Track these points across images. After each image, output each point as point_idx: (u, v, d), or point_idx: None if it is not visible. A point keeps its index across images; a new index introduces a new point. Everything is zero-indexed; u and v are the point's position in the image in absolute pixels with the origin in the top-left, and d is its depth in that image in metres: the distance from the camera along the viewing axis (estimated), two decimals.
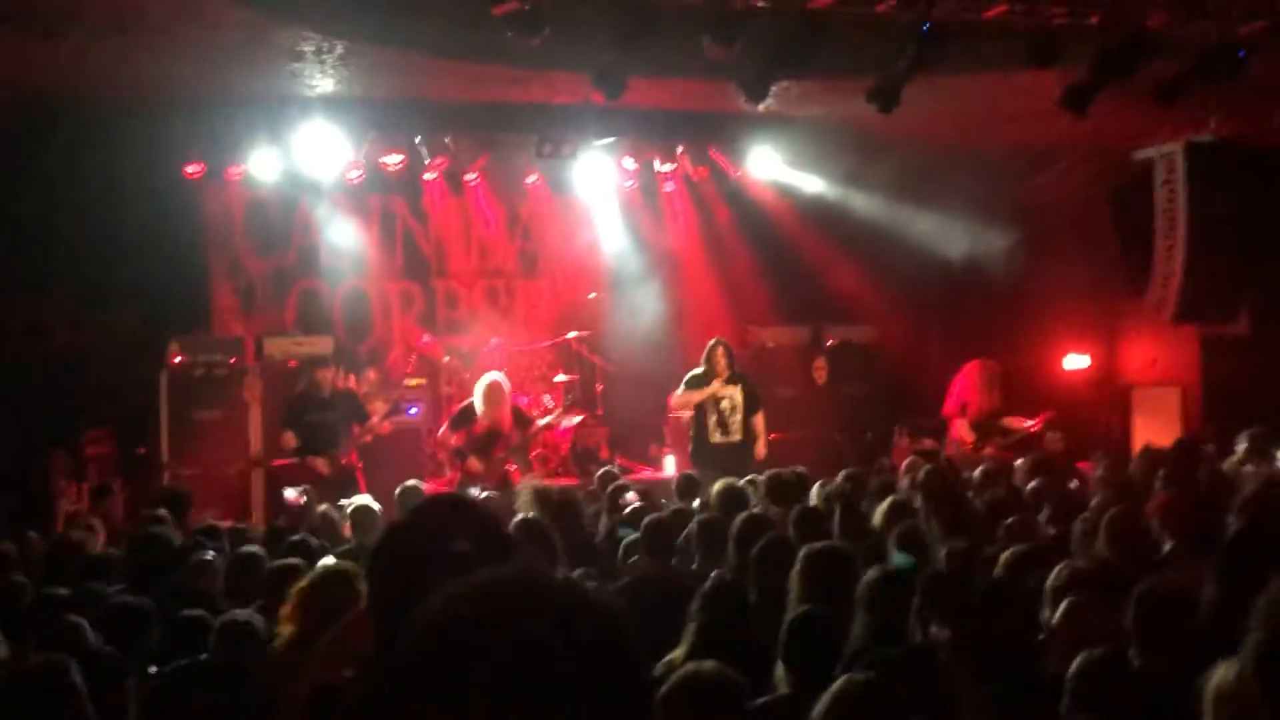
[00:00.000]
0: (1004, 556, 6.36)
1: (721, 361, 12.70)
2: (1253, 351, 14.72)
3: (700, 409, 12.74)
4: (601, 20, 9.53)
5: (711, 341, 12.97)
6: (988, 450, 13.28)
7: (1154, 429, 14.96)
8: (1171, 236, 14.81)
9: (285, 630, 5.35)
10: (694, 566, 7.43)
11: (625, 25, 9.42)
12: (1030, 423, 13.62)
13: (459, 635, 1.68)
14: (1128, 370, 16.62)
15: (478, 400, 12.37)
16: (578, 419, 14.97)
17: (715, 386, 12.61)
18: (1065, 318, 16.70)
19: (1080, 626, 4.82)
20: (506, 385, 12.59)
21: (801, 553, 5.95)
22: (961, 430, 13.70)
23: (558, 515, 7.67)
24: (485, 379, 12.56)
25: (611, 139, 14.75)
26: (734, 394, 12.72)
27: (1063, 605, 5.02)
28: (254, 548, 7.70)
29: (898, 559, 6.99)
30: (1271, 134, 13.57)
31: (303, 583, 5.52)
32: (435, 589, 1.75)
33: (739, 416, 12.71)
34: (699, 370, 12.79)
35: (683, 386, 12.82)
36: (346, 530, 9.26)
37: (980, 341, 15.56)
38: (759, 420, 12.91)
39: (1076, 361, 16.79)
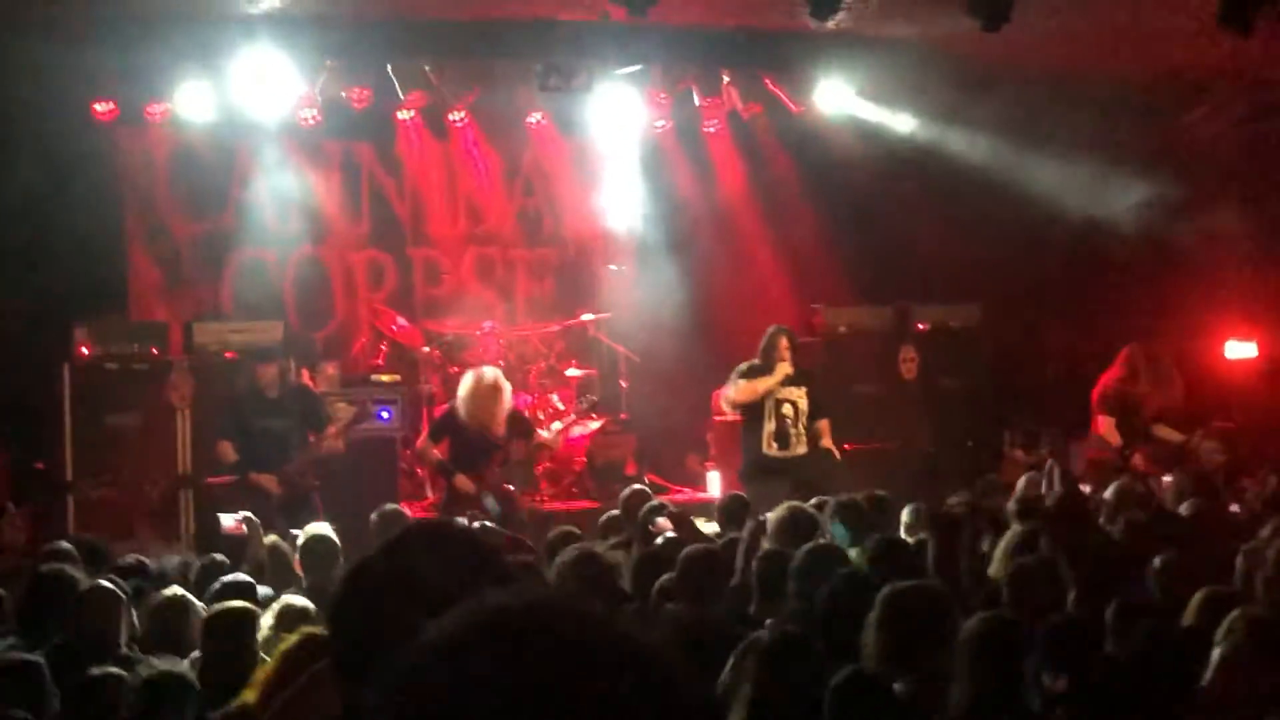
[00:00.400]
0: (1196, 598, 6.32)
1: (785, 355, 12.70)
2: None
3: (755, 415, 12.74)
4: None
5: (771, 329, 12.96)
6: (1135, 460, 13.30)
7: None
8: None
9: (248, 695, 5.36)
10: (750, 611, 7.43)
11: None
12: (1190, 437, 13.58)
13: (461, 685, 1.68)
14: None
15: (465, 400, 12.38)
16: (595, 425, 14.98)
17: (776, 379, 12.61)
18: (1224, 293, 16.62)
19: (1239, 686, 4.81)
20: (503, 382, 12.60)
21: (882, 595, 5.94)
22: (1106, 429, 13.65)
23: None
24: (474, 374, 12.57)
25: (637, 67, 14.74)
26: (798, 397, 12.73)
27: (1218, 657, 5.01)
28: (176, 591, 7.73)
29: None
30: None
31: (287, 643, 5.53)
32: (415, 636, 1.74)
33: (801, 425, 12.72)
34: (754, 363, 12.79)
35: (734, 380, 12.82)
36: (299, 566, 9.29)
37: (1111, 325, 15.50)
38: (825, 428, 12.93)
39: (1240, 350, 16.72)
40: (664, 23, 11.73)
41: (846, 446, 13.33)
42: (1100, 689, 5.03)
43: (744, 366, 12.84)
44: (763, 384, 12.68)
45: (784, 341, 12.79)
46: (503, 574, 2.67)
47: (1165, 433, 13.65)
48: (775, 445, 12.69)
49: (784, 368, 12.63)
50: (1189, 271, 16.50)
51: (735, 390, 12.86)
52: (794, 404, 12.73)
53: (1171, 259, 16.45)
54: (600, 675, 1.70)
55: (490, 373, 12.60)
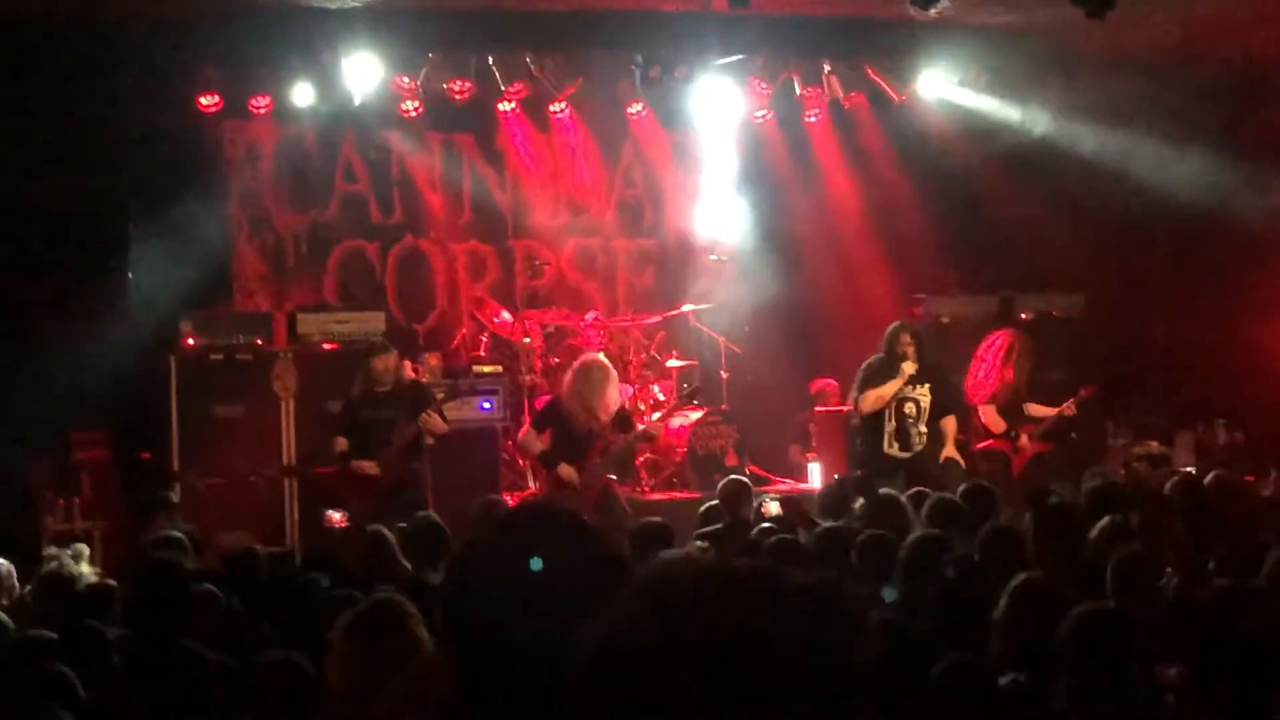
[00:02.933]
0: None
1: (910, 351, 12.67)
2: None
3: (876, 413, 12.73)
4: None
5: (894, 326, 12.96)
6: (1022, 440, 13.35)
7: None
8: None
9: (333, 682, 5.44)
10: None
11: None
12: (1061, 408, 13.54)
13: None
14: None
15: (575, 386, 12.40)
16: (696, 415, 14.95)
17: (901, 380, 12.62)
18: None
19: None
20: (613, 371, 12.65)
21: (1011, 586, 5.91)
22: (989, 417, 13.60)
23: None
24: (584, 361, 12.61)
25: (738, 57, 14.72)
26: (921, 395, 12.72)
27: None
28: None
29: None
30: None
31: (342, 623, 5.60)
32: (538, 621, 1.80)
33: (924, 424, 12.72)
34: (878, 358, 12.79)
35: (860, 381, 12.83)
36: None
37: (1222, 315, 15.33)
38: (949, 424, 12.91)
39: None
40: (765, 13, 11.69)
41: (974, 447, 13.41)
42: (1221, 676, 4.97)
43: (868, 367, 12.83)
44: (889, 389, 12.68)
45: (906, 338, 12.76)
46: (610, 555, 2.67)
47: (1037, 410, 13.56)
48: (896, 445, 12.73)
49: (908, 367, 12.62)
50: None
51: (863, 400, 12.83)
52: (916, 402, 12.72)
53: (1275, 248, 16.24)
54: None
55: (602, 360, 12.64)
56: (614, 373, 12.66)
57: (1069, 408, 13.54)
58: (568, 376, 12.62)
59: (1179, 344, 15.61)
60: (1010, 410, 13.60)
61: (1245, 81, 15.12)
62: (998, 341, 13.86)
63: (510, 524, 2.76)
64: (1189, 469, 13.54)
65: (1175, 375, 14.24)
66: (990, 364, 13.76)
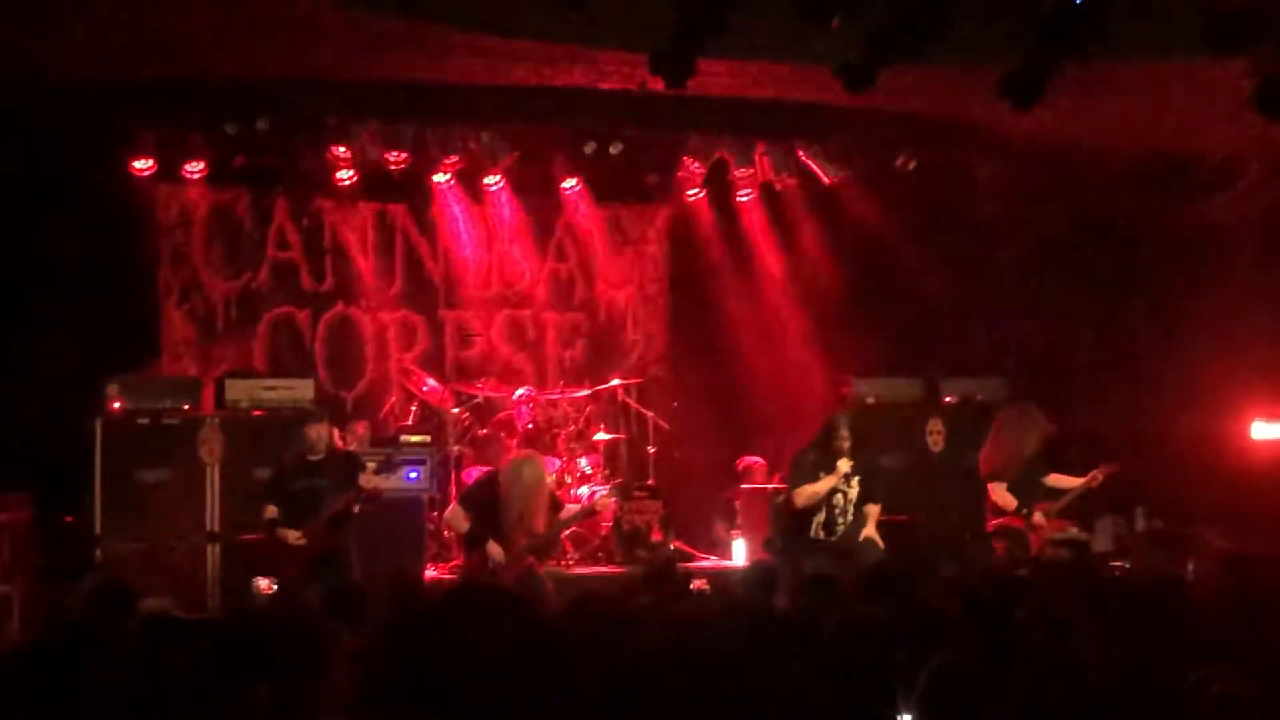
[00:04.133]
0: None
1: (846, 446, 12.80)
2: None
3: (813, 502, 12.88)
4: None
5: (832, 418, 13.08)
6: (1036, 518, 13.38)
7: None
8: None
9: None
10: None
11: None
12: (1086, 479, 13.58)
13: None
14: None
15: (512, 494, 12.37)
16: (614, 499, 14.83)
17: (836, 478, 12.76)
18: (1252, 374, 16.57)
19: None
20: (548, 477, 12.77)
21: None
22: (998, 495, 13.70)
23: None
24: (528, 467, 12.56)
25: (672, 136, 14.85)
26: (851, 486, 12.87)
27: None
28: None
29: None
30: None
31: None
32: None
33: (850, 512, 12.89)
34: (814, 450, 12.92)
35: (796, 475, 12.99)
36: None
37: (1142, 401, 15.57)
38: (872, 510, 13.10)
39: (1267, 431, 16.66)
40: (700, 94, 11.79)
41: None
42: None
43: (803, 460, 12.96)
44: (824, 486, 12.82)
45: (845, 433, 12.88)
46: (546, 633, 2.69)
47: (1058, 480, 13.64)
48: (824, 533, 12.85)
49: (844, 465, 12.78)
50: (1214, 346, 16.49)
51: (798, 496, 12.92)
52: (846, 494, 12.87)
53: (1193, 333, 16.45)
54: None
55: (536, 464, 12.61)
56: (549, 479, 12.72)
57: (1094, 479, 13.50)
58: (504, 475, 12.57)
59: (1099, 430, 15.71)
60: (1024, 485, 13.67)
61: (1161, 175, 15.36)
62: (1001, 416, 13.99)
63: (452, 601, 2.78)
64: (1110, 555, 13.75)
65: (1094, 461, 14.31)
66: (992, 440, 13.88)
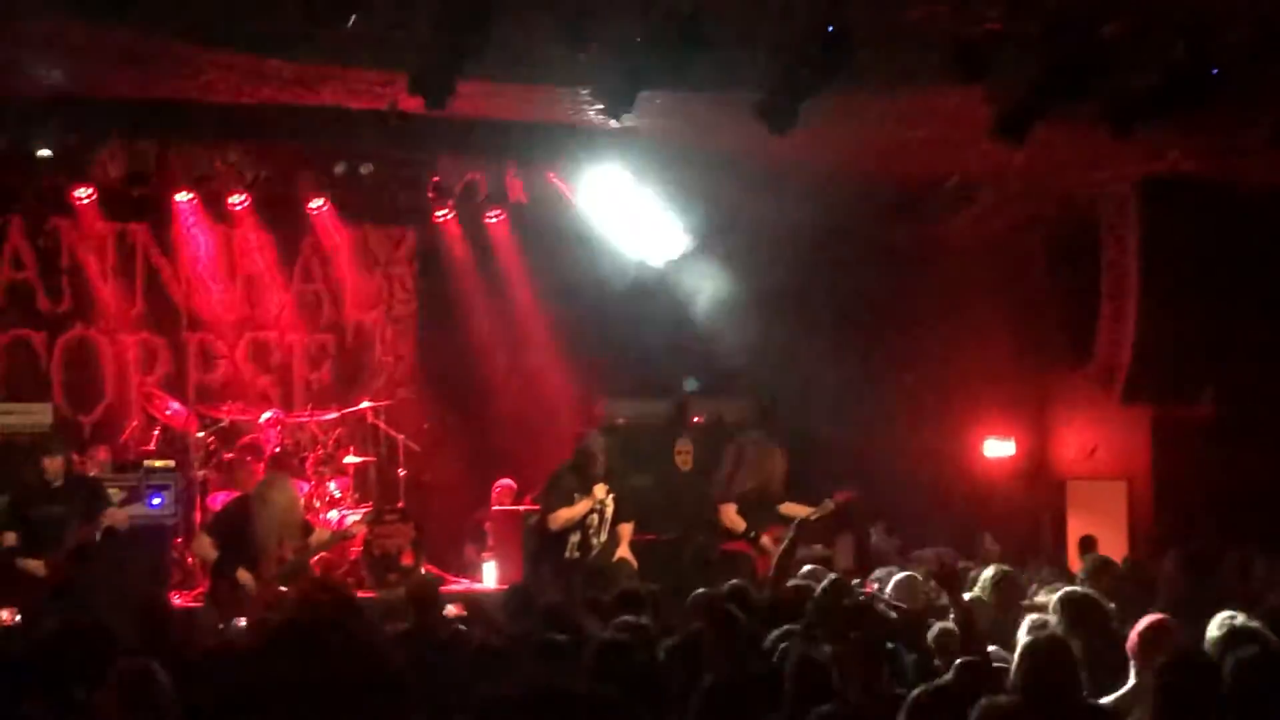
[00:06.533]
0: None
1: (600, 467, 12.86)
2: (1217, 439, 15.12)
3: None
4: (422, 7, 9.57)
5: (587, 440, 13.12)
6: (764, 541, 13.61)
7: (1095, 532, 15.20)
8: (1120, 296, 15.27)
9: None
10: None
11: (454, 15, 9.46)
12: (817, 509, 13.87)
13: None
14: (1062, 460, 16.98)
15: (263, 515, 12.16)
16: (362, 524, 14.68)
17: (591, 501, 12.79)
18: (984, 393, 17.04)
19: None
20: (296, 494, 12.67)
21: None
22: (728, 517, 13.93)
23: None
24: (277, 490, 12.37)
25: (422, 155, 14.76)
26: (605, 504, 12.91)
27: None
28: None
29: None
30: (1244, 170, 14.04)
31: None
32: None
33: (604, 530, 12.96)
34: (568, 470, 12.93)
35: (550, 496, 12.98)
36: None
37: (879, 419, 15.93)
38: (625, 530, 13.24)
39: (999, 448, 17.13)
40: (452, 115, 11.69)
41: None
42: None
43: (558, 481, 12.99)
44: (580, 509, 12.85)
45: (601, 457, 12.95)
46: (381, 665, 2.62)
47: (792, 509, 13.93)
48: (579, 553, 12.87)
49: (599, 491, 12.88)
50: (950, 370, 16.94)
51: (553, 520, 12.91)
52: (601, 513, 12.90)
53: (932, 356, 16.88)
54: None
55: (286, 494, 12.44)
56: (297, 497, 12.57)
57: (825, 508, 13.67)
58: (253, 501, 12.37)
59: (839, 448, 15.99)
60: (754, 509, 13.79)
61: (908, 198, 15.72)
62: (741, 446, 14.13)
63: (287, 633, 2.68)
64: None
65: (835, 479, 14.54)
66: (730, 467, 14.01)
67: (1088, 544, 14.87)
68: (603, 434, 13.39)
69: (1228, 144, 13.02)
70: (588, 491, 12.87)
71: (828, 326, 16.91)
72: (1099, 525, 15.38)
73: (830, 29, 10.03)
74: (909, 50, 10.46)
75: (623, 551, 13.20)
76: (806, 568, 11.43)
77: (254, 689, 2.57)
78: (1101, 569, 10.21)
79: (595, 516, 12.94)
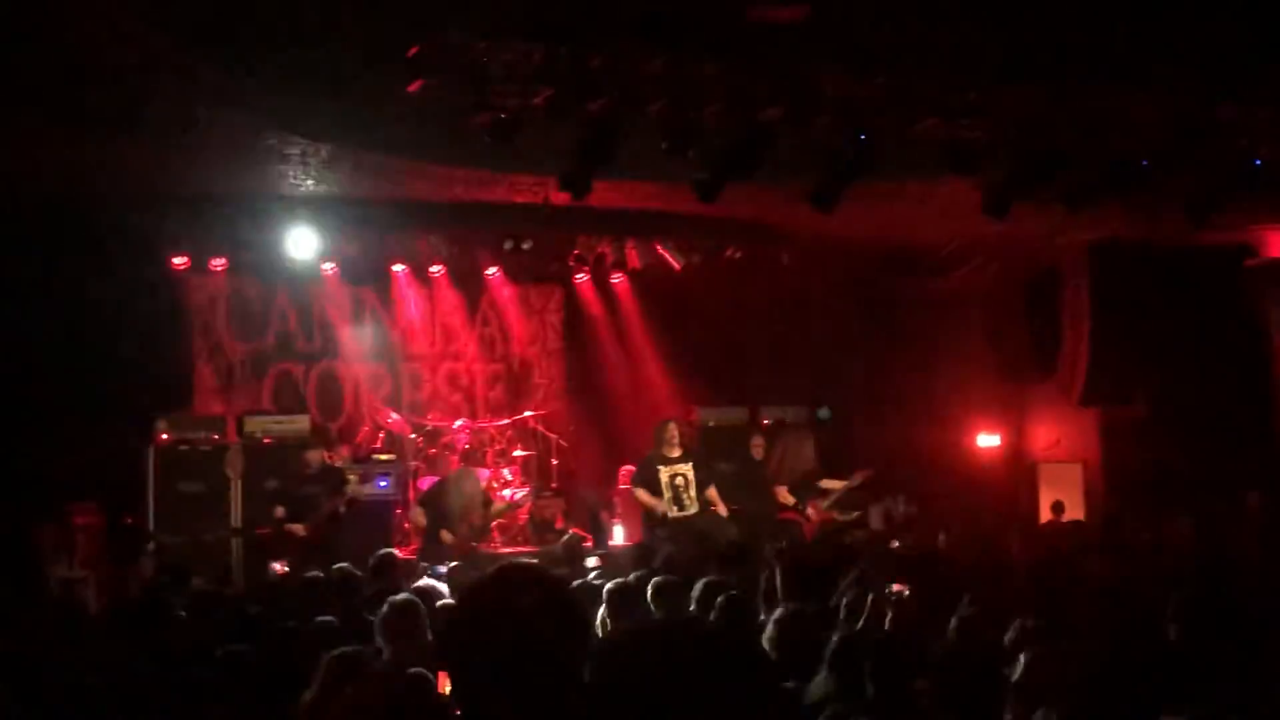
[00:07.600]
0: None
1: (673, 439, 12.81)
2: (1150, 432, 14.97)
3: (655, 491, 12.82)
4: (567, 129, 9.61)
5: (661, 422, 13.06)
6: (809, 511, 13.46)
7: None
8: (1077, 327, 15.13)
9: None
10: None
11: (588, 134, 9.52)
12: (848, 482, 13.73)
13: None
14: (1035, 448, 16.82)
15: (457, 494, 12.38)
16: (527, 498, 14.84)
17: (665, 471, 12.71)
18: (976, 399, 16.89)
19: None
20: (482, 482, 12.91)
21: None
22: (781, 495, 13.84)
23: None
24: (466, 477, 12.60)
25: (566, 234, 14.85)
26: (685, 471, 12.83)
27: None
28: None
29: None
30: (1168, 236, 13.91)
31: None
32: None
33: (693, 491, 12.83)
34: (649, 455, 12.94)
35: (638, 473, 12.98)
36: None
37: (904, 421, 15.81)
38: (713, 494, 13.06)
39: (988, 440, 16.98)
40: (590, 205, 11.72)
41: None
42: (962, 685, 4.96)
43: (640, 463, 13.05)
44: (646, 499, 12.83)
45: (670, 429, 12.94)
46: (572, 604, 2.57)
47: (829, 483, 13.78)
48: (675, 509, 12.80)
49: (665, 469, 12.77)
50: (952, 384, 16.81)
51: (635, 494, 13.00)
52: (684, 476, 12.84)
53: (939, 374, 16.73)
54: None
55: (472, 479, 12.68)
56: (480, 481, 12.85)
57: (855, 480, 13.63)
58: (449, 483, 12.64)
59: (871, 441, 15.87)
60: (800, 487, 13.70)
61: (915, 257, 15.64)
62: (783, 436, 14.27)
63: (499, 578, 2.63)
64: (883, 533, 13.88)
65: (868, 464, 14.44)
66: (777, 453, 14.10)
67: (1058, 507, 14.74)
68: (672, 420, 13.28)
69: (1154, 216, 12.87)
70: (665, 462, 12.81)
71: (861, 353, 16.82)
72: (1062, 495, 15.25)
73: (861, 136, 10.00)
74: (918, 151, 10.39)
75: (721, 510, 13.11)
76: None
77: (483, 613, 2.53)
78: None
79: (682, 479, 12.81)
